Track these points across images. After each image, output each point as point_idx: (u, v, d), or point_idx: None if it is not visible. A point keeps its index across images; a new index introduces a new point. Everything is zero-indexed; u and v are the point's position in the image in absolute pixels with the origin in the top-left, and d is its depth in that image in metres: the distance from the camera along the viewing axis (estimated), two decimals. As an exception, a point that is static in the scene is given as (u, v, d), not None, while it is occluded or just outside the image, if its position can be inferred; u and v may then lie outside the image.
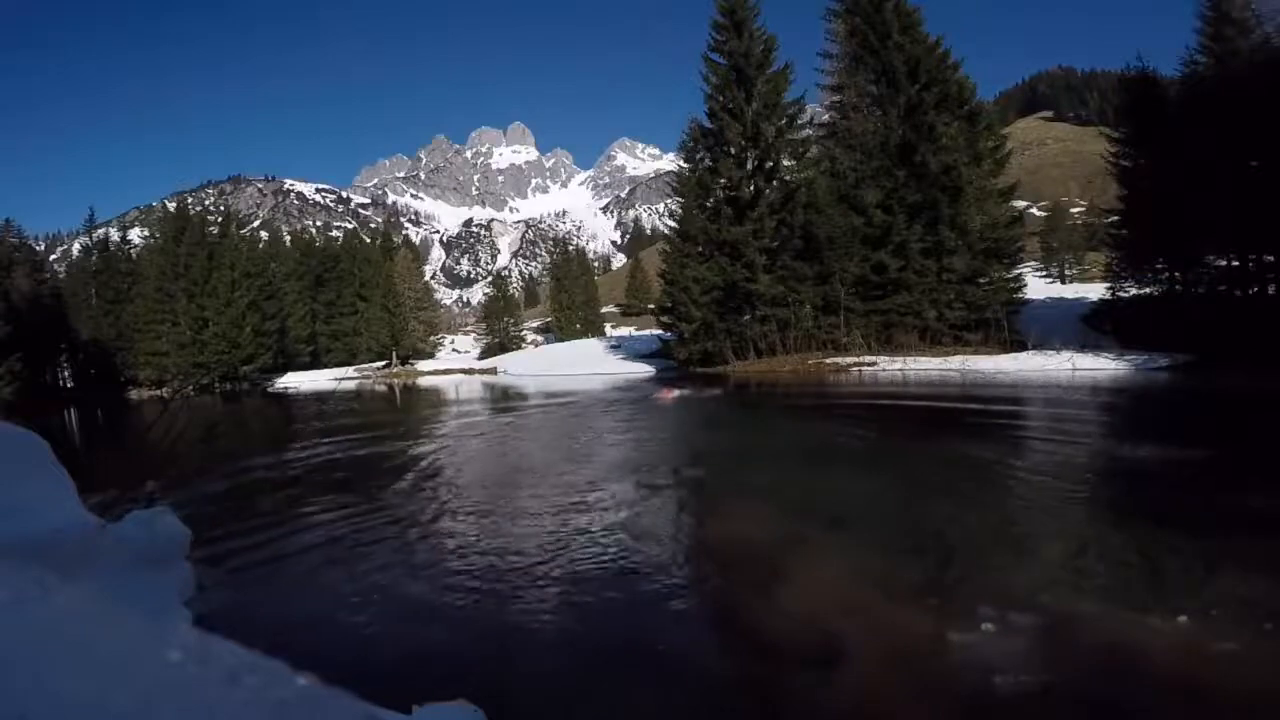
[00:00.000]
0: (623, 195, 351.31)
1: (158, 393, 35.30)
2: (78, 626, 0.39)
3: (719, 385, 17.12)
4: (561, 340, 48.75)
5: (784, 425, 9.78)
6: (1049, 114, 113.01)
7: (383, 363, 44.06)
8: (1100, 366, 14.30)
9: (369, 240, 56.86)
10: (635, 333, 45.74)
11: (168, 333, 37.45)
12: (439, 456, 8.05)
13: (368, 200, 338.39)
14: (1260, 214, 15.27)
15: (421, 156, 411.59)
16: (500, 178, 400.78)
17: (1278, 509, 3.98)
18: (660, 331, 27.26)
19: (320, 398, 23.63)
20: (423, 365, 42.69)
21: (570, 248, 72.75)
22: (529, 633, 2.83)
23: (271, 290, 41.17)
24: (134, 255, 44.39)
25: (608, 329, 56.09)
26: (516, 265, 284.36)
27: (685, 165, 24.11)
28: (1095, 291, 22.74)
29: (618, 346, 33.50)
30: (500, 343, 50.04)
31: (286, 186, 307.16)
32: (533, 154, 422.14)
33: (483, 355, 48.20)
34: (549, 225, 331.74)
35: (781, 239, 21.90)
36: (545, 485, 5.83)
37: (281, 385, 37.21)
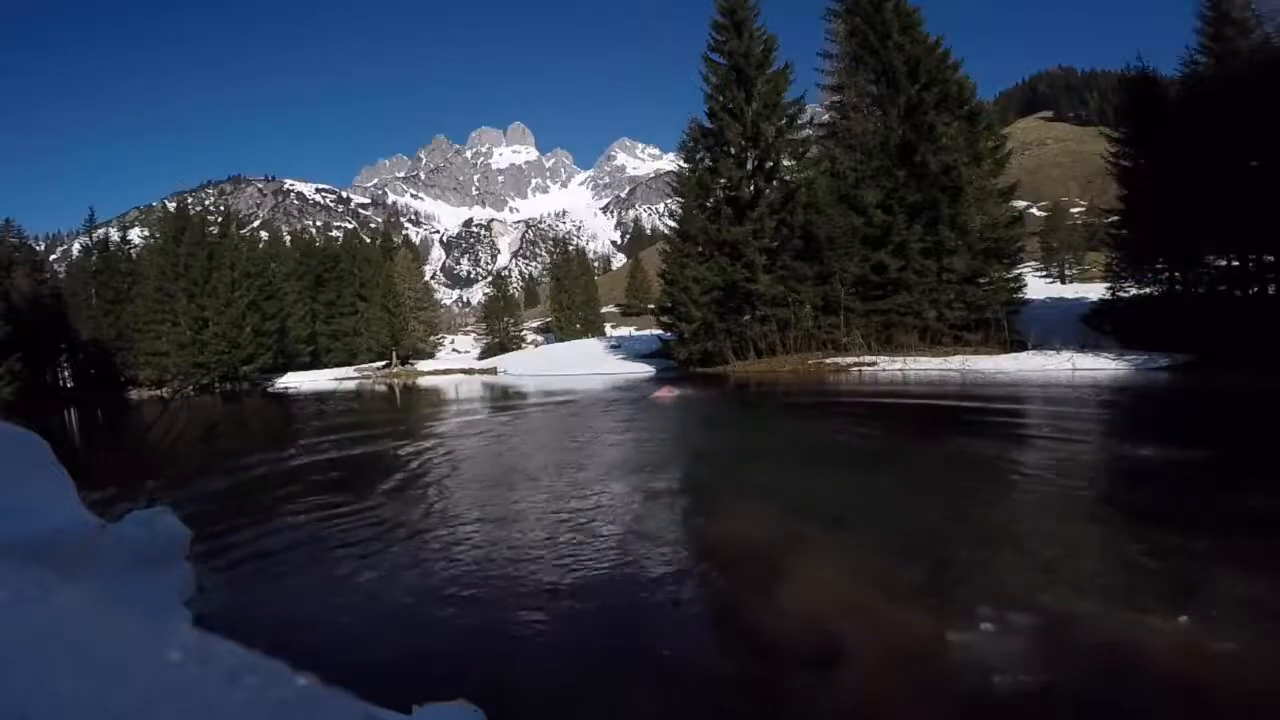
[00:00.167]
0: (623, 195, 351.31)
1: (158, 393, 35.31)
2: (78, 626, 0.39)
3: (719, 385, 17.12)
4: (561, 340, 48.75)
5: (784, 425, 9.78)
6: (1049, 114, 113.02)
7: (383, 363, 44.07)
8: (1100, 366, 14.30)
9: (369, 240, 56.86)
10: (635, 333, 45.74)
11: (168, 333, 37.45)
12: (439, 456, 8.05)
13: (368, 200, 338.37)
14: (1260, 214, 15.27)
15: (421, 156, 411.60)
16: (500, 178, 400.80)
17: (1278, 509, 3.98)
18: (660, 331, 27.25)
19: (320, 398, 23.64)
20: (423, 365, 42.69)
21: (570, 248, 72.76)
22: (529, 632, 2.83)
23: (271, 290, 41.17)
24: (134, 255, 44.39)
25: (608, 329, 56.09)
26: (516, 265, 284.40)
27: (685, 165, 24.10)
28: (1095, 291, 22.74)
29: (618, 346, 33.50)
30: (500, 343, 50.05)
31: (286, 186, 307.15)
32: (533, 154, 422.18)
33: (483, 355, 48.20)
34: (549, 225, 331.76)
35: (781, 239, 21.89)
36: (545, 485, 5.83)
37: (281, 385, 37.21)
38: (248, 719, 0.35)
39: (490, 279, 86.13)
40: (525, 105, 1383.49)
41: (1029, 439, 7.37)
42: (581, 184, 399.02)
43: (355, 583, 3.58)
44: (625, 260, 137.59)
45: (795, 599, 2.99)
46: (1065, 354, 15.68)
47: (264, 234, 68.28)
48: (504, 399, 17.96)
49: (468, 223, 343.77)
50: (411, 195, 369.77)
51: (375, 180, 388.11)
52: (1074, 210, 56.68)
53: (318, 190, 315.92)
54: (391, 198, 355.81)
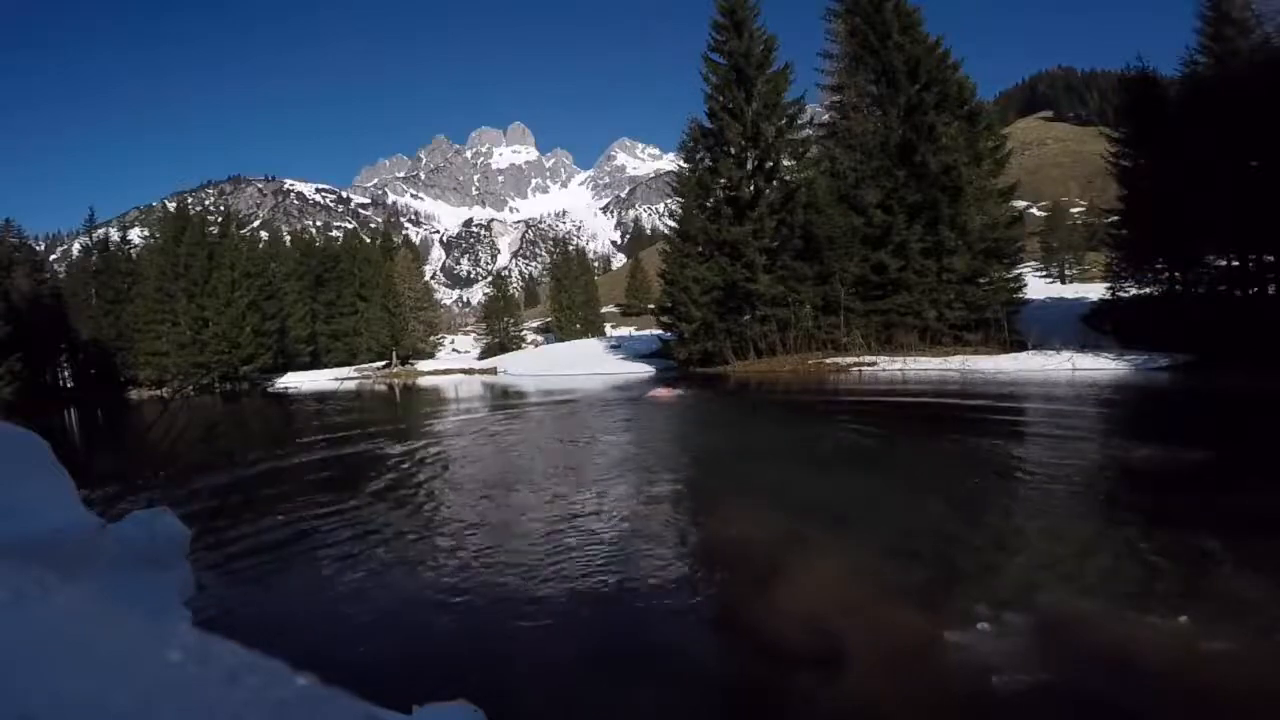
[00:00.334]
0: (623, 195, 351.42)
1: (158, 393, 35.32)
2: (78, 626, 0.39)
3: (719, 385, 17.12)
4: (561, 340, 48.76)
5: (784, 425, 9.77)
6: (1049, 114, 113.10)
7: (383, 363, 44.07)
8: (1100, 366, 14.30)
9: (369, 240, 56.86)
10: (635, 333, 45.74)
11: (168, 333, 37.47)
12: (439, 457, 8.05)
13: (368, 200, 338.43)
14: (1260, 214, 15.27)
15: (421, 156, 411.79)
16: (500, 178, 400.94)
17: (1278, 509, 3.98)
18: (660, 331, 27.26)
19: (320, 398, 23.63)
20: (423, 365, 42.68)
21: (570, 248, 72.76)
22: (529, 632, 2.83)
23: (271, 290, 41.18)
24: (134, 255, 44.39)
25: (608, 329, 56.10)
26: (516, 265, 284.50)
27: (685, 165, 24.11)
28: (1095, 291, 22.75)
29: (618, 346, 33.51)
30: (500, 343, 50.05)
31: (286, 186, 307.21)
32: (533, 154, 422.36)
33: (483, 355, 48.21)
34: (549, 225, 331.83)
35: (781, 239, 21.90)
36: (544, 485, 5.83)
37: (281, 385, 37.21)
38: (248, 719, 0.35)
39: (490, 279, 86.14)
40: (525, 105, 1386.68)
41: (1029, 439, 7.38)
42: (581, 184, 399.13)
43: (355, 582, 3.58)
44: (625, 260, 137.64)
45: (796, 599, 2.99)
46: (1065, 354, 15.68)
47: (264, 234, 68.27)
48: (504, 399, 17.96)
49: (468, 223, 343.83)
50: (411, 195, 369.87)
51: (375, 180, 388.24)
52: (1074, 210, 56.70)
53: (318, 190, 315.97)
54: (391, 198, 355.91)
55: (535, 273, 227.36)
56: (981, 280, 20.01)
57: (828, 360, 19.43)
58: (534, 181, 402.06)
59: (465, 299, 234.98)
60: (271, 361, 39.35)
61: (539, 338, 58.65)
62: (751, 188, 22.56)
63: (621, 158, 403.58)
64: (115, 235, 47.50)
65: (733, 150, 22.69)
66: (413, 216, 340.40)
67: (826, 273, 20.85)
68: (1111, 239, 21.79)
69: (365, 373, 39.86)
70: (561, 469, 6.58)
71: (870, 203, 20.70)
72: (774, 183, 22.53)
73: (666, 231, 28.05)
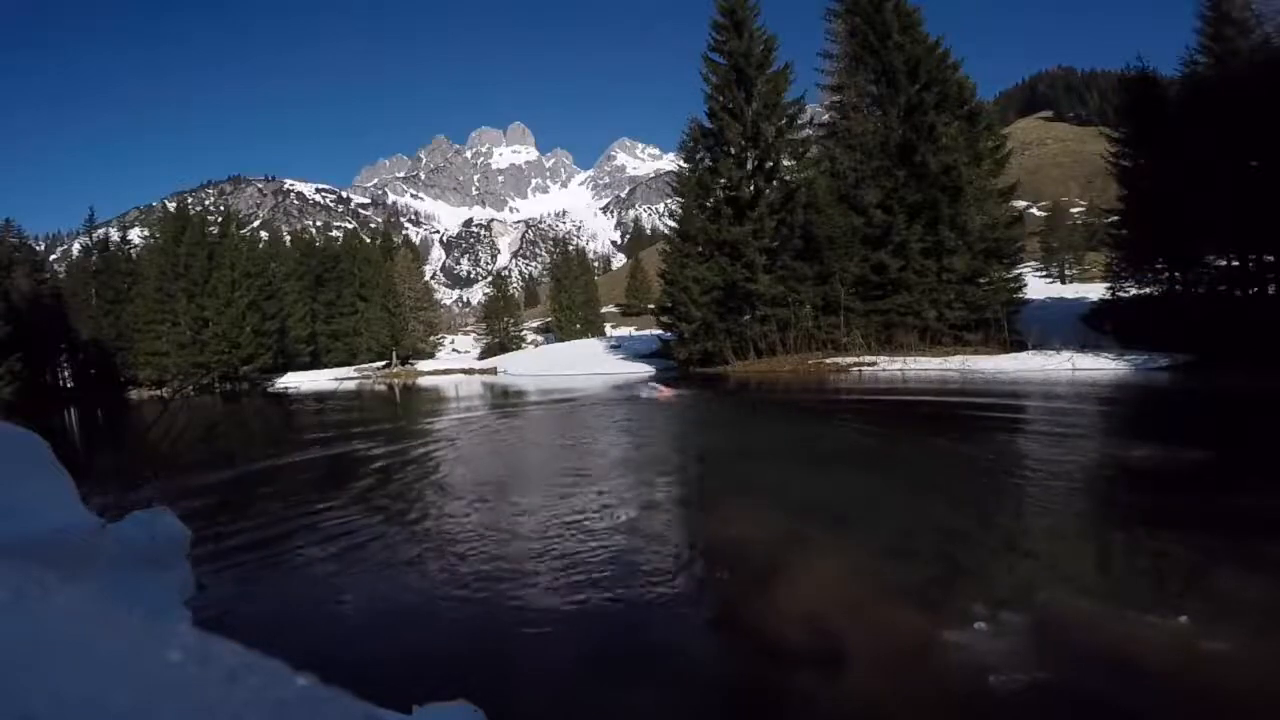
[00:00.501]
0: (623, 195, 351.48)
1: (158, 393, 35.31)
2: (78, 626, 0.39)
3: (719, 385, 17.12)
4: (561, 340, 48.77)
5: (784, 425, 9.77)
6: (1049, 114, 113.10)
7: (383, 363, 44.07)
8: (1100, 366, 14.30)
9: (369, 240, 56.90)
10: (635, 333, 45.75)
11: (168, 333, 37.48)
12: (439, 456, 8.05)
13: (368, 200, 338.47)
14: (1260, 214, 15.28)
15: (421, 156, 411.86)
16: (500, 178, 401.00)
17: (1278, 509, 3.98)
18: (660, 331, 27.26)
19: (320, 398, 23.64)
20: (423, 365, 42.69)
21: (570, 248, 72.76)
22: (529, 631, 2.83)
23: (271, 290, 41.18)
24: (134, 255, 44.40)
25: (608, 329, 56.10)
26: (516, 265, 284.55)
27: (685, 165, 24.12)
28: (1095, 291, 22.76)
29: (618, 346, 33.52)
30: (500, 343, 50.07)
31: (286, 186, 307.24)
32: (533, 154, 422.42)
33: (483, 355, 48.22)
34: (549, 225, 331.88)
35: (781, 239, 21.90)
36: (544, 484, 5.83)
37: (281, 385, 37.21)
38: (248, 719, 0.35)
39: (490, 279, 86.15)
40: (525, 105, 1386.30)
41: (1029, 438, 7.38)
42: (581, 184, 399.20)
43: (354, 582, 3.58)
44: (625, 260, 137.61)
45: (795, 599, 2.99)
46: (1065, 354, 15.68)
47: (264, 234, 68.32)
48: (504, 399, 17.96)
49: (468, 223, 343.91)
50: (411, 195, 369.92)
51: (375, 180, 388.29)
52: (1074, 210, 56.73)
53: (318, 190, 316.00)
54: (391, 198, 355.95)
55: (535, 273, 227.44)
56: (981, 280, 20.01)
57: (828, 360, 19.44)
58: (534, 181, 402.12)
59: (465, 299, 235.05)
60: (271, 361, 39.35)
61: (539, 338, 58.66)
62: (751, 188, 22.56)
63: (621, 158, 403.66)
64: (115, 235, 47.52)
65: (733, 150, 22.69)
66: (413, 216, 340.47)
67: (826, 273, 20.86)
68: (1111, 239, 21.80)
69: (365, 373, 39.86)
70: (561, 469, 6.58)
71: (870, 203, 20.71)
72: (774, 183, 22.53)
73: (666, 231, 28.07)
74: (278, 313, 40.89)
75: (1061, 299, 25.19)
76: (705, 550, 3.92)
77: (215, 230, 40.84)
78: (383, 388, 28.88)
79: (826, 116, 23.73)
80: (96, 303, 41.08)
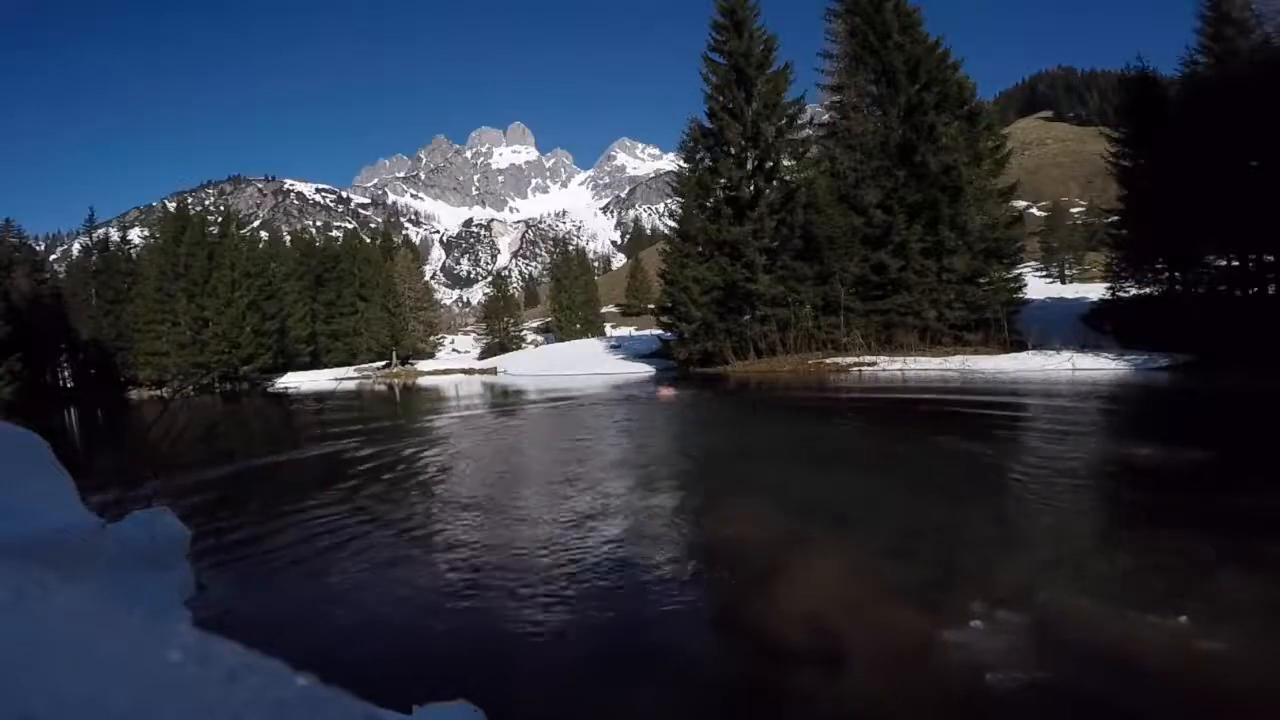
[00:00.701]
0: (623, 195, 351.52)
1: (158, 393, 35.31)
2: (78, 626, 0.39)
3: (719, 385, 17.12)
4: (561, 340, 48.78)
5: (784, 425, 9.77)
6: (1049, 114, 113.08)
7: (383, 363, 44.08)
8: (1100, 366, 14.30)
9: (369, 240, 56.89)
10: (635, 333, 45.75)
11: (168, 333, 37.48)
12: (439, 456, 8.06)
13: (368, 200, 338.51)
14: (1260, 214, 15.28)
15: (421, 156, 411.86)
16: (500, 178, 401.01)
17: (1278, 509, 3.98)
18: (660, 331, 27.26)
19: (320, 398, 23.64)
20: (423, 365, 42.69)
21: (570, 248, 72.78)
22: (529, 631, 2.83)
23: (271, 290, 41.18)
24: (134, 255, 44.40)
25: (608, 329, 56.10)
26: (516, 265, 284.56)
27: (685, 165, 24.12)
28: (1095, 291, 22.76)
29: (618, 346, 33.52)
30: (500, 343, 50.07)
31: (286, 186, 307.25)
32: (533, 154, 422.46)
33: (483, 355, 48.23)
34: (549, 225, 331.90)
35: (781, 239, 21.91)
36: (545, 484, 5.84)
37: (281, 385, 37.21)
38: (248, 719, 0.35)
39: (490, 279, 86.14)
40: (525, 105, 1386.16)
41: (1029, 439, 7.38)
42: (581, 184, 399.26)
43: (355, 581, 3.58)
44: (625, 260, 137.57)
45: (795, 598, 2.99)
46: (1065, 354, 15.68)
47: (264, 234, 68.30)
48: (504, 399, 17.96)
49: (468, 223, 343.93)
50: (411, 195, 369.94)
51: (375, 180, 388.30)
52: (1074, 210, 56.72)
53: (318, 190, 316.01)
54: (391, 198, 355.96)
55: (535, 273, 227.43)
56: (981, 280, 20.01)
57: (828, 360, 19.44)
58: (534, 181, 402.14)
59: (465, 299, 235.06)
60: (271, 361, 39.35)
61: (539, 338, 58.66)
62: (751, 188, 22.56)
63: (621, 158, 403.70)
64: (115, 235, 47.52)
65: (733, 150, 22.69)
66: (413, 216, 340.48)
67: (826, 273, 20.86)
68: (1111, 239, 21.80)
69: (365, 373, 39.86)
70: (561, 469, 6.58)
71: (870, 203, 20.71)
72: (774, 183, 22.53)
73: (666, 231, 28.07)
74: (278, 313, 40.89)
75: (1061, 299, 25.19)
76: (705, 550, 3.92)
77: (215, 230, 40.84)
78: (383, 388, 28.88)
79: (826, 116, 23.73)
80: (96, 303, 41.08)
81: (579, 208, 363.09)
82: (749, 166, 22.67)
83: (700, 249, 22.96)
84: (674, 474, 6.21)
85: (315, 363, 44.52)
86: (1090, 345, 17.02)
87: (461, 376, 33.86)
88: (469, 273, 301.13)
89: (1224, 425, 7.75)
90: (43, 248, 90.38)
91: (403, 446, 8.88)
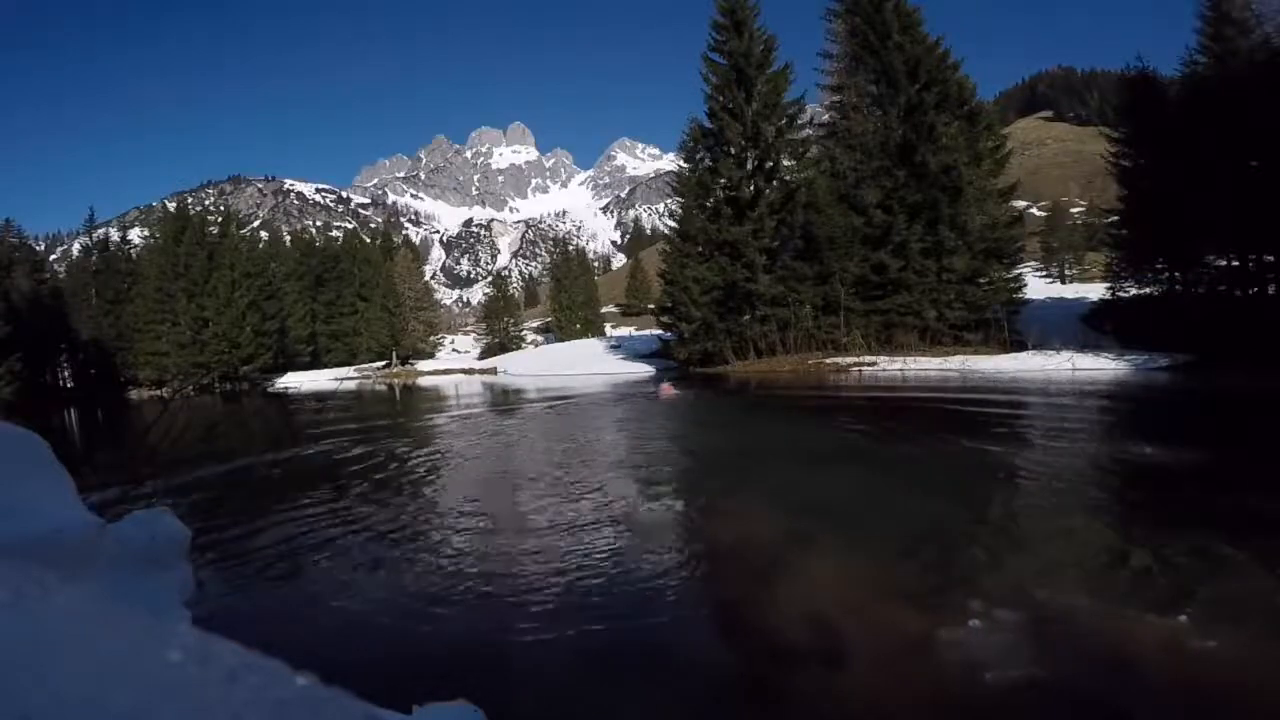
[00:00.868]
0: (623, 195, 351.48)
1: (158, 393, 35.32)
2: (78, 626, 0.39)
3: (719, 385, 17.12)
4: (561, 340, 48.78)
5: (784, 425, 9.77)
6: (1049, 114, 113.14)
7: (383, 363, 44.08)
8: (1100, 366, 14.30)
9: (369, 240, 56.91)
10: (635, 333, 45.74)
11: (168, 333, 37.48)
12: (440, 455, 8.06)
13: (368, 200, 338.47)
14: (1260, 214, 15.28)
15: (421, 156, 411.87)
16: (500, 178, 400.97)
17: (1278, 509, 3.98)
18: (660, 331, 27.27)
19: (320, 398, 23.64)
20: (423, 365, 42.70)
21: (570, 248, 72.73)
22: (529, 631, 2.83)
23: (271, 290, 41.19)
24: (134, 255, 44.44)
25: (608, 329, 56.09)
26: (516, 265, 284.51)
27: (685, 165, 24.12)
28: (1095, 291, 22.76)
29: (618, 346, 33.52)
30: (500, 343, 50.08)
31: (286, 186, 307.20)
32: (533, 154, 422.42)
33: (483, 355, 48.23)
34: (549, 225, 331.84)
35: (781, 239, 21.91)
36: (545, 484, 5.83)
37: (281, 385, 37.22)
38: (248, 719, 0.35)
39: (490, 279, 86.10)
40: (525, 105, 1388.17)
41: (1029, 439, 7.38)
42: (581, 184, 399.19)
43: (354, 581, 3.58)
44: (625, 260, 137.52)
45: (795, 598, 2.99)
46: (1065, 354, 15.68)
47: (264, 234, 68.34)
48: (504, 399, 17.96)
49: (468, 223, 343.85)
50: (411, 195, 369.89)
51: (375, 180, 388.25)
52: (1074, 210, 56.72)
53: (318, 190, 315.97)
54: (391, 198, 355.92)
55: (535, 273, 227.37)
56: (981, 280, 20.02)
57: (828, 360, 19.43)
58: (534, 181, 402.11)
59: (465, 299, 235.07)
60: (271, 361, 39.36)
61: (539, 338, 58.66)
62: (751, 188, 22.56)
63: (621, 158, 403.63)
64: (115, 235, 47.57)
65: (733, 150, 22.69)
66: (413, 216, 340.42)
67: (826, 273, 20.86)
68: (1111, 239, 21.80)
69: (365, 373, 39.87)
70: (561, 468, 6.57)
71: (870, 203, 20.71)
72: (774, 183, 22.53)
73: (666, 231, 28.06)
74: (278, 313, 40.90)
75: (1061, 299, 25.18)
76: (705, 549, 3.92)
77: (215, 230, 40.85)
78: (383, 388, 28.88)
79: (826, 116, 23.73)
80: (96, 303, 41.09)
81: (579, 208, 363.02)
82: (749, 166, 22.67)
83: (700, 249, 22.96)
84: (674, 473, 6.21)
85: (315, 363, 44.54)
86: (1090, 345, 17.02)
87: (461, 376, 33.86)
88: (469, 273, 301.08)
89: (1224, 425, 7.75)
90: (43, 248, 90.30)
91: (403, 446, 8.88)
